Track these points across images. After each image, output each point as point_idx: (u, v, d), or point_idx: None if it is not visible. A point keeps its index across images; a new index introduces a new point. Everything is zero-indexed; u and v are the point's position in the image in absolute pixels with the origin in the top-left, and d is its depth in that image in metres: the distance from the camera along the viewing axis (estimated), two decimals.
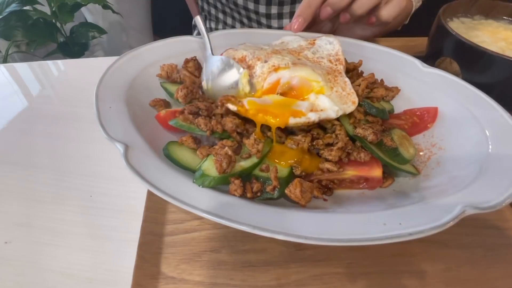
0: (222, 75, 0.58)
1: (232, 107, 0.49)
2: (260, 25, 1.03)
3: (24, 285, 0.43)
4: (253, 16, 1.01)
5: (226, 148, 0.45)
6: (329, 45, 0.62)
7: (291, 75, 0.53)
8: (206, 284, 0.43)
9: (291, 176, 0.46)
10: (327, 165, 0.47)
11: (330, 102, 0.50)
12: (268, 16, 0.98)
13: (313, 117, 0.48)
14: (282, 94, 0.53)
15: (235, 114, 0.51)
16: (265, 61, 0.56)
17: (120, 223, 0.49)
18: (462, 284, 0.44)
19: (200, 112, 0.51)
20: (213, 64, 0.59)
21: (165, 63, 0.61)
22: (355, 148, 0.49)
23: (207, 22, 1.18)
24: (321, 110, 0.49)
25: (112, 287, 0.42)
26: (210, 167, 0.44)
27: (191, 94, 0.55)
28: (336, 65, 0.59)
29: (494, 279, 0.44)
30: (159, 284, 0.43)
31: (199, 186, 0.42)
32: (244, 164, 0.46)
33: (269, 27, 1.02)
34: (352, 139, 0.50)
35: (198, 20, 0.64)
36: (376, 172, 0.47)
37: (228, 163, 0.43)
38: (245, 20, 1.06)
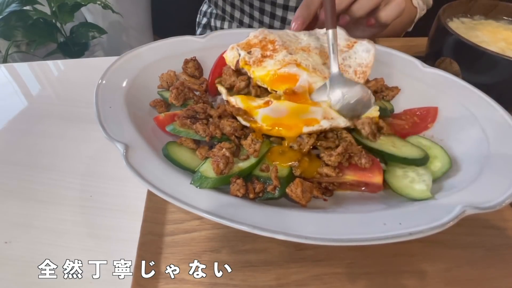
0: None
1: (244, 122, 0.49)
2: (273, 18, 0.99)
3: (24, 285, 0.43)
4: (267, 8, 0.97)
5: (224, 149, 0.45)
6: (365, 54, 0.58)
7: (308, 81, 0.53)
8: (206, 284, 0.43)
9: (291, 176, 0.46)
10: (326, 170, 0.46)
11: (336, 113, 0.50)
12: (286, 7, 0.95)
13: (325, 124, 0.48)
14: (291, 91, 0.52)
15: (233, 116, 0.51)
16: (290, 53, 0.56)
17: (120, 223, 0.49)
18: (462, 284, 0.44)
19: (198, 116, 0.51)
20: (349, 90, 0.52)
21: (163, 67, 0.61)
22: (357, 152, 0.47)
23: (212, 19, 1.15)
24: (331, 118, 0.49)
25: (112, 287, 0.42)
26: (208, 169, 0.44)
27: (182, 94, 0.55)
28: (359, 77, 0.56)
29: (494, 279, 0.44)
30: (159, 284, 0.43)
31: (197, 187, 0.42)
32: (242, 165, 0.46)
33: (284, 19, 0.98)
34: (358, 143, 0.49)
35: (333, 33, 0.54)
36: (377, 178, 0.46)
37: (226, 164, 0.43)
38: (256, 14, 1.01)
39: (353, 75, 0.56)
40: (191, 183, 0.42)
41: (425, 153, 0.48)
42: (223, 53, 0.62)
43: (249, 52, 0.57)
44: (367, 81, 0.61)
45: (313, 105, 0.50)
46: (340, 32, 0.61)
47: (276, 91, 0.53)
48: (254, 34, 0.61)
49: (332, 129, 0.50)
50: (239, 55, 0.57)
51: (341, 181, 0.47)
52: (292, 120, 0.48)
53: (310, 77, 0.53)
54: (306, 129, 0.47)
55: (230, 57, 0.58)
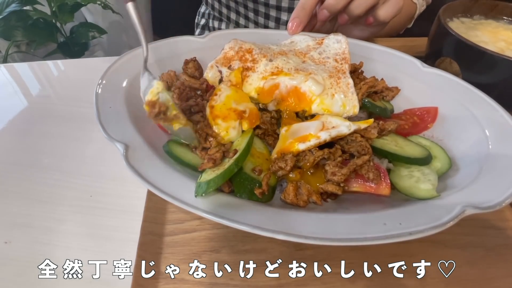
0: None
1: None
2: (267, 19, 1.00)
3: (24, 285, 0.43)
4: (261, 9, 0.98)
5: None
6: (337, 44, 0.61)
7: (291, 84, 0.53)
8: (206, 284, 0.43)
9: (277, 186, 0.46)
10: (331, 188, 0.44)
11: (340, 119, 0.49)
12: (279, 8, 0.96)
13: (323, 136, 0.46)
14: (279, 99, 0.53)
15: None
16: (270, 60, 0.56)
17: (120, 223, 0.49)
18: (462, 284, 0.44)
19: (192, 110, 0.52)
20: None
21: (163, 67, 0.61)
22: (366, 163, 0.45)
23: (210, 20, 1.15)
24: (333, 127, 0.47)
25: (112, 287, 0.42)
26: (204, 175, 0.43)
27: (185, 93, 0.55)
28: (341, 64, 0.58)
29: (494, 279, 0.44)
30: (159, 284, 0.43)
31: (203, 195, 0.40)
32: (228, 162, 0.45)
33: (278, 20, 0.99)
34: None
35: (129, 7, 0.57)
36: (384, 191, 0.45)
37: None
38: (251, 15, 1.02)
39: (335, 63, 0.58)
40: (195, 196, 0.40)
41: (428, 153, 0.48)
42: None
43: (229, 67, 0.56)
44: (359, 77, 0.61)
45: (310, 121, 0.50)
46: (305, 36, 0.65)
47: (266, 105, 0.54)
48: (229, 46, 0.60)
49: (334, 139, 0.48)
50: (220, 72, 0.56)
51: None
52: (287, 141, 0.47)
53: (293, 80, 0.53)
54: (302, 146, 0.45)
55: (212, 77, 0.57)
